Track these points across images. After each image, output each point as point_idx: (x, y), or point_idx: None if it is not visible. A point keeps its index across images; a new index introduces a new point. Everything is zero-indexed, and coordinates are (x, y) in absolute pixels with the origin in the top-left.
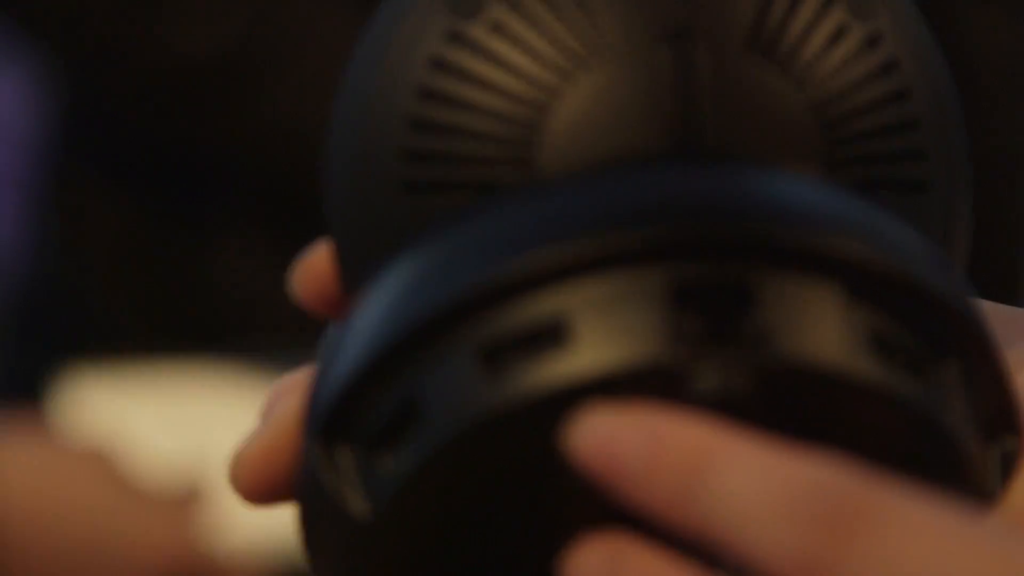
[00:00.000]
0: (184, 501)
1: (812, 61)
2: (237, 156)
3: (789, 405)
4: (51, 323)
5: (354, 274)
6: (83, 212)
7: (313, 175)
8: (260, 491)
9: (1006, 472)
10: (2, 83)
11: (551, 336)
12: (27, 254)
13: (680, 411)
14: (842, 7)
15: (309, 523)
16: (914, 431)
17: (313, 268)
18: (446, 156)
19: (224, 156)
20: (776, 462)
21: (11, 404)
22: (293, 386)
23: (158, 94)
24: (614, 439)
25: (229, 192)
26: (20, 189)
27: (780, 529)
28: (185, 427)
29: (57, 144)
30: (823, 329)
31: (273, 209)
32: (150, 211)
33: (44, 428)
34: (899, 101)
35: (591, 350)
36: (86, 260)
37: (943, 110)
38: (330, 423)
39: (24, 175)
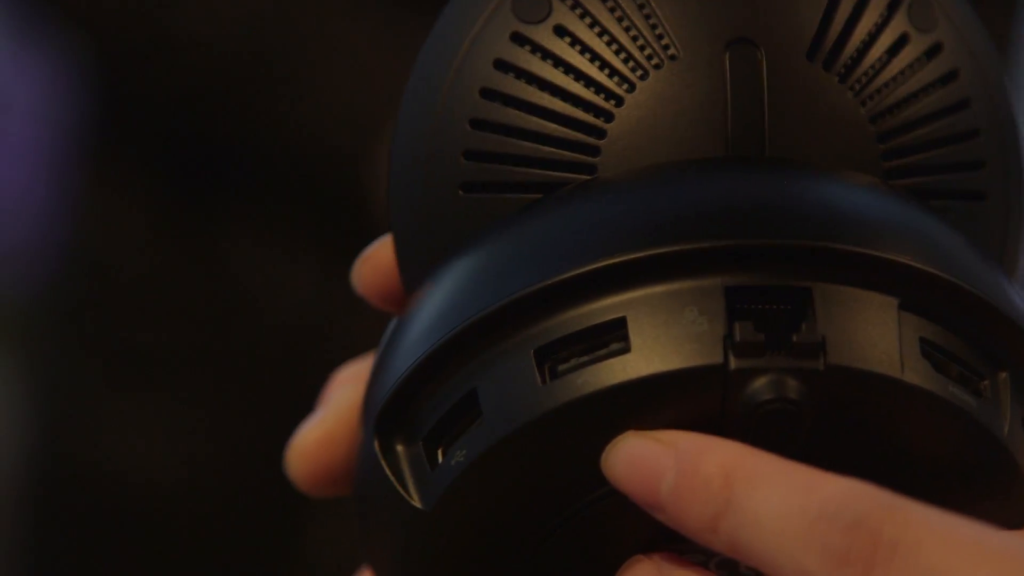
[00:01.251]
0: None
1: (872, 72)
2: (261, 149)
3: (842, 416)
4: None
5: (414, 270)
6: (107, 198)
7: (335, 170)
8: (318, 481)
9: None
10: (32, 68)
11: (608, 341)
12: (53, 235)
13: (714, 433)
14: (903, 18)
15: (366, 513)
16: (968, 442)
17: (374, 262)
18: (507, 157)
19: (247, 149)
20: (805, 488)
21: None
22: (352, 376)
23: (185, 85)
24: (646, 462)
25: (251, 183)
26: (49, 172)
27: (808, 558)
28: None
29: (86, 129)
30: (877, 339)
31: (293, 202)
32: (172, 199)
33: None
34: (958, 112)
35: (646, 356)
36: (109, 247)
37: (1000, 119)
38: (388, 415)
39: (53, 159)
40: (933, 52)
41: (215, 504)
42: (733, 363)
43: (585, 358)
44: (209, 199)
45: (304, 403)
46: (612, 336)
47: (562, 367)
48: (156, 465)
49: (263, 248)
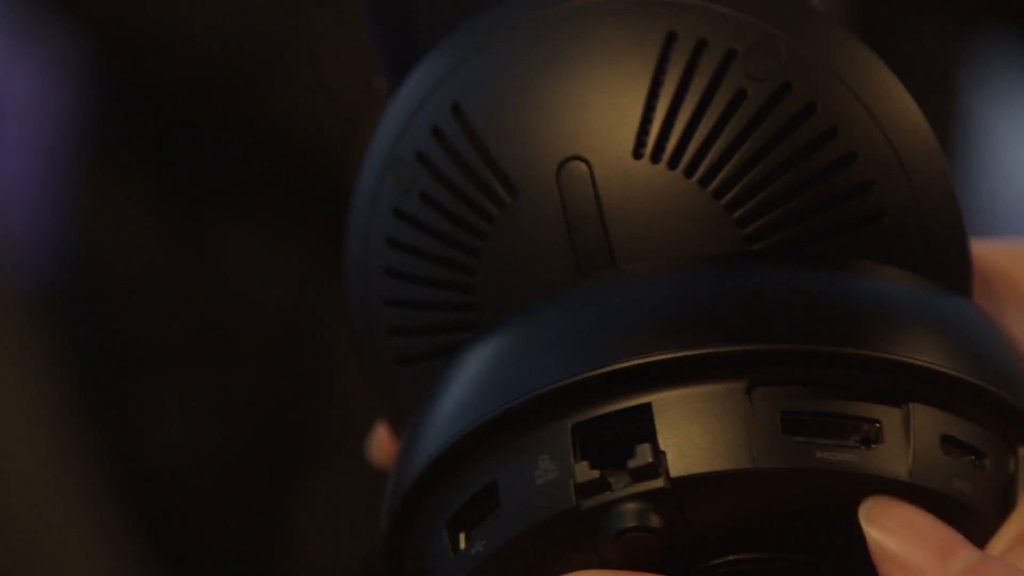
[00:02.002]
0: None
1: (704, 148)
2: (253, 141)
3: (725, 516)
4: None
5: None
6: (102, 191)
7: (324, 161)
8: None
9: None
10: (27, 62)
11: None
12: (50, 230)
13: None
14: (738, 73)
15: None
16: (860, 495)
17: (379, 441)
18: (411, 303)
19: (240, 141)
20: None
21: None
22: None
23: (178, 78)
24: None
25: (243, 175)
26: (44, 166)
27: None
28: None
29: (80, 123)
30: (723, 434)
31: (285, 193)
32: (166, 191)
33: None
34: (823, 144)
35: (515, 513)
36: (104, 240)
37: (886, 128)
38: (412, 496)
39: (48, 153)
40: (779, 96)
41: (208, 491)
42: (581, 505)
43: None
44: (203, 191)
45: (296, 391)
46: (488, 500)
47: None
48: (149, 454)
49: (256, 239)
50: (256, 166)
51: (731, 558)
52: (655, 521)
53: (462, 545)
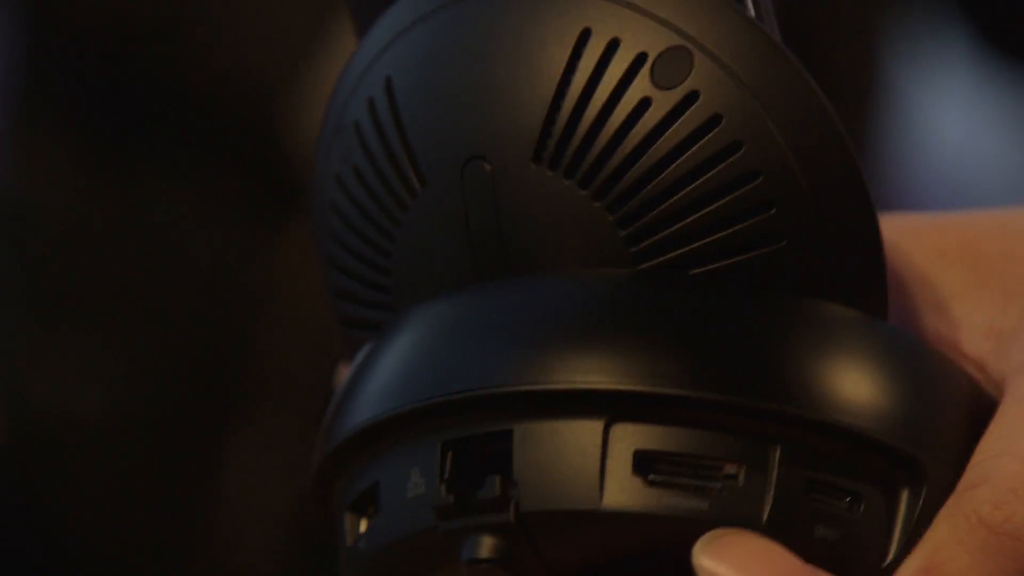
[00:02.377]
0: None
1: (602, 157)
2: (181, 91)
3: (575, 553)
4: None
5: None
6: (31, 141)
7: (253, 111)
8: None
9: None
10: None
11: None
12: None
13: None
14: (644, 81)
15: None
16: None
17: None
18: (346, 272)
19: (168, 91)
20: None
21: None
22: None
23: (106, 27)
24: None
25: (172, 126)
26: None
27: None
28: None
29: (8, 73)
30: (577, 471)
31: (213, 144)
32: (95, 141)
33: None
34: (724, 159)
35: (389, 513)
36: (33, 189)
37: (795, 144)
38: (321, 480)
39: None
40: (683, 106)
41: (135, 441)
42: (439, 527)
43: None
44: (132, 141)
45: (223, 343)
46: (374, 499)
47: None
48: (76, 403)
49: (185, 189)
50: (185, 115)
51: None
52: (504, 553)
53: (361, 529)
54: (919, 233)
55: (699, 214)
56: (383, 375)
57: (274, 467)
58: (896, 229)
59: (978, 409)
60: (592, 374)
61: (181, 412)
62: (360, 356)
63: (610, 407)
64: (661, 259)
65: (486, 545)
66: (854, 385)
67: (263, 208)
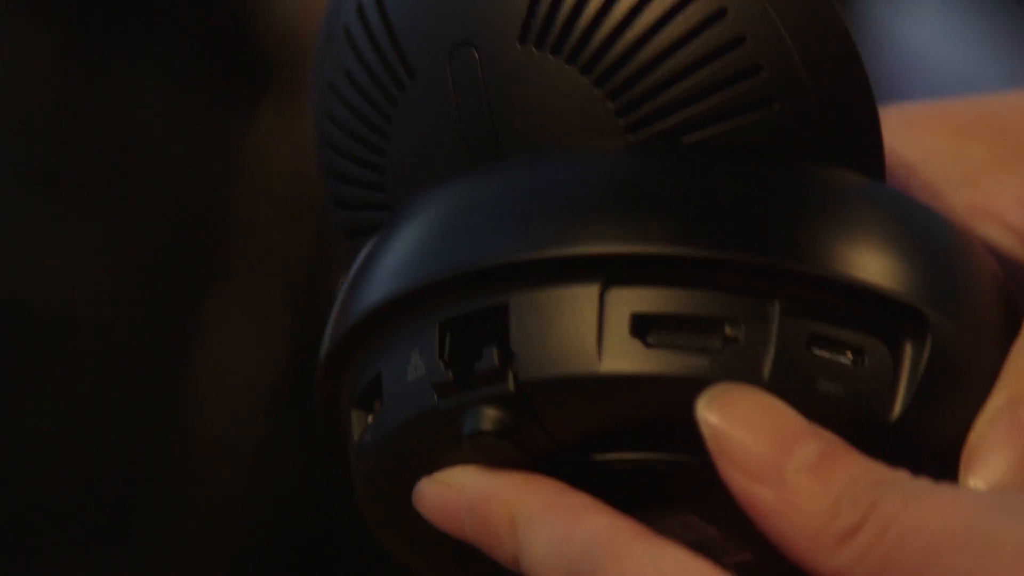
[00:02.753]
0: None
1: (588, 33)
2: None
3: (583, 419)
4: None
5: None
6: (7, 24)
7: (235, 8)
8: None
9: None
10: None
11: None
12: None
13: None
14: None
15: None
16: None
17: None
18: (343, 178)
19: None
20: (564, 530)
21: None
22: None
23: None
24: (444, 509)
25: (145, 11)
26: None
27: None
28: None
29: None
30: (573, 337)
31: (186, 30)
32: (70, 25)
33: None
34: (705, 29)
35: (392, 400)
36: (8, 72)
37: (771, 21)
38: (327, 375)
39: None
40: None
41: (112, 313)
42: (440, 405)
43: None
44: (106, 26)
45: (199, 217)
46: (378, 389)
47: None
48: (51, 277)
49: (161, 71)
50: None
51: (595, 458)
52: (506, 424)
53: (369, 421)
54: (938, 113)
55: (687, 81)
56: (380, 267)
57: (250, 338)
58: (914, 112)
59: (990, 267)
60: (585, 239)
61: (158, 285)
62: (360, 255)
63: (605, 271)
64: (652, 129)
65: (487, 417)
66: (852, 239)
67: (238, 86)
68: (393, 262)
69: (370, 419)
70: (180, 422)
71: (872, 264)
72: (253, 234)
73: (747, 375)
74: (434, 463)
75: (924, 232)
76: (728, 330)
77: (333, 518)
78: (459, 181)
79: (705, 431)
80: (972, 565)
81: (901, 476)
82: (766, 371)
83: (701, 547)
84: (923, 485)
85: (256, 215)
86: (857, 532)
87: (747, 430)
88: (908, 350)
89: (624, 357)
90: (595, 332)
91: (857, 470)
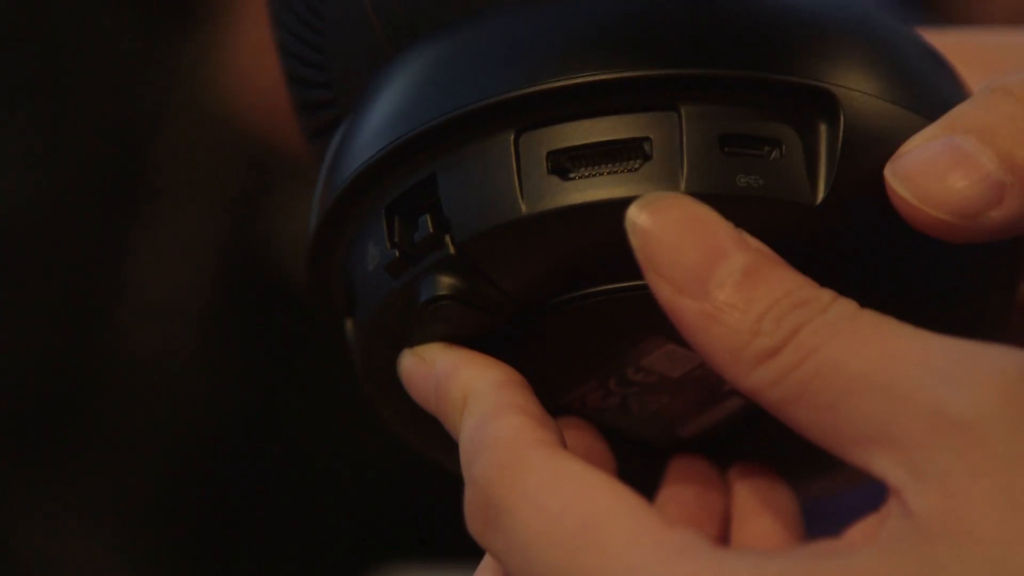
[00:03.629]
0: None
1: None
2: None
3: (515, 265)
4: None
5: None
6: None
7: None
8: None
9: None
10: None
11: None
12: None
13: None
14: None
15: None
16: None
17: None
18: (298, 81)
19: None
20: (480, 420)
21: None
22: None
23: None
24: (416, 380)
25: None
26: None
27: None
28: None
29: None
30: (497, 187)
31: None
32: None
33: None
34: None
35: (362, 292)
36: None
37: None
38: (359, 183)
39: None
40: None
41: (40, 231)
42: (395, 285)
43: None
44: None
45: (125, 143)
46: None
47: None
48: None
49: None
50: None
51: (554, 302)
52: (456, 286)
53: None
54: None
55: None
56: (331, 169)
57: (182, 256)
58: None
59: (909, 38)
60: (488, 89)
61: (90, 201)
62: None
63: (514, 117)
64: None
65: (438, 283)
66: (741, 34)
67: (176, 6)
68: (338, 165)
69: (349, 324)
70: (111, 336)
71: (767, 54)
72: (187, 153)
73: (665, 186)
74: (415, 341)
75: (822, 14)
76: (639, 149)
77: (262, 433)
78: (383, 71)
79: (634, 242)
80: (885, 412)
81: (825, 298)
82: (683, 177)
83: (690, 384)
84: (847, 314)
85: (191, 135)
86: (776, 354)
87: (674, 238)
88: (823, 131)
89: (545, 195)
90: (515, 177)
91: (782, 288)
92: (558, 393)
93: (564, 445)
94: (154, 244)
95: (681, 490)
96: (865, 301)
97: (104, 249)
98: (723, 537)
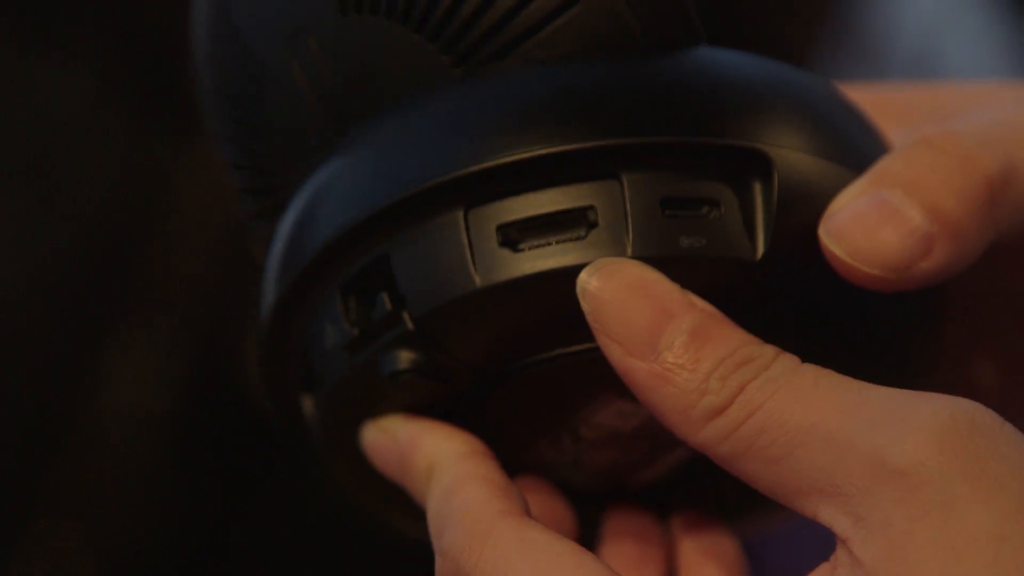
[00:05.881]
0: None
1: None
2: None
3: (471, 336)
4: None
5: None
6: None
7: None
8: None
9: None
10: None
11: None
12: None
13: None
14: None
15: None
16: (565, 292)
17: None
18: (239, 166)
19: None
20: (446, 491)
21: None
22: None
23: None
24: (379, 451)
25: (76, 42)
26: None
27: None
28: None
29: None
30: (450, 262)
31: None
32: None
33: None
34: None
35: (321, 368)
36: None
37: None
38: (314, 265)
39: None
40: None
41: (13, 338)
42: (354, 362)
43: None
44: (38, 33)
45: (109, 250)
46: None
47: None
48: None
49: (88, 95)
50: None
51: (509, 368)
52: (416, 360)
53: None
54: (855, 93)
55: (488, 11)
56: (284, 253)
57: (155, 372)
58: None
59: (835, 96)
60: (435, 169)
61: (64, 313)
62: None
63: (462, 194)
64: (474, 58)
65: (398, 358)
66: (675, 102)
67: (170, 114)
68: (286, 250)
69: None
70: (73, 441)
71: (700, 120)
72: (166, 265)
73: (612, 251)
74: (376, 413)
75: (749, 78)
76: (588, 217)
77: (217, 554)
78: (329, 159)
79: (585, 306)
80: (828, 463)
81: (769, 354)
82: (629, 242)
83: (640, 437)
84: (789, 369)
85: (174, 245)
86: (723, 411)
87: (623, 302)
88: (758, 189)
89: (498, 267)
90: (467, 252)
91: (728, 347)
92: (515, 452)
93: (528, 513)
94: (125, 354)
95: (622, 544)
96: (804, 352)
97: (74, 356)
98: None
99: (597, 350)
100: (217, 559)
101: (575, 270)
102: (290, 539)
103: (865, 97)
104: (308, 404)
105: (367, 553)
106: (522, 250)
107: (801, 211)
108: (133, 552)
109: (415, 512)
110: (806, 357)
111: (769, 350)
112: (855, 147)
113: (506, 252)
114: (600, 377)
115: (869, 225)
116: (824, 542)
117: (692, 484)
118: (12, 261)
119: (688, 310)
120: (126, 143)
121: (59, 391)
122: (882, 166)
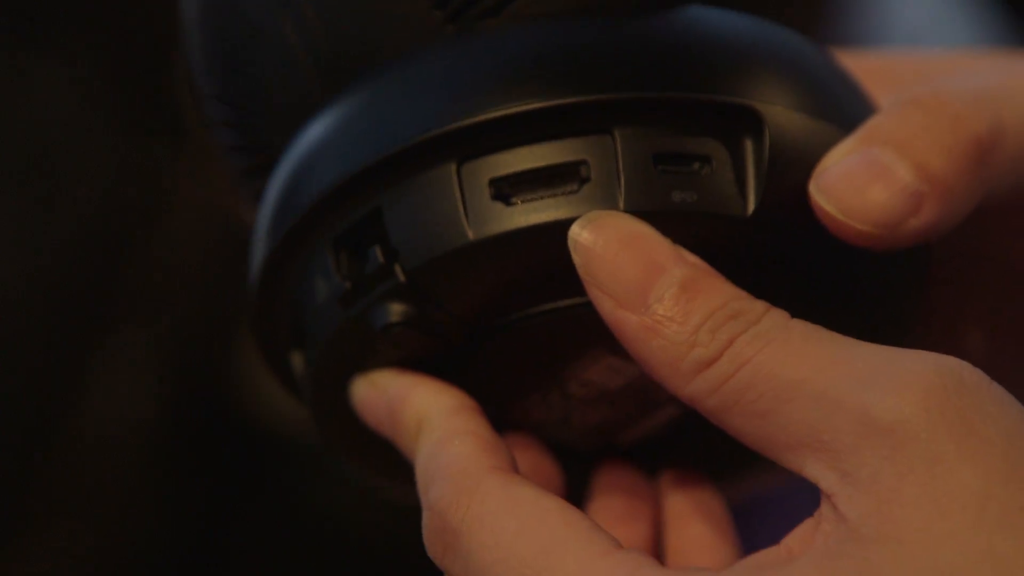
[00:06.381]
0: None
1: None
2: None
3: (462, 289)
4: None
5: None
6: None
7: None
8: None
9: None
10: None
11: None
12: None
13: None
14: None
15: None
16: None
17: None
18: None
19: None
20: (434, 446)
21: None
22: None
23: None
24: (369, 406)
25: (71, 52)
26: None
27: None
28: None
29: None
30: (442, 216)
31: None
32: None
33: None
34: None
35: (313, 325)
36: None
37: None
38: (306, 220)
39: None
40: None
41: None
42: (347, 315)
43: None
44: (36, 36)
45: (104, 258)
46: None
47: None
48: None
49: (83, 103)
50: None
51: (500, 322)
52: (407, 313)
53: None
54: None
55: None
56: (275, 209)
57: (150, 373)
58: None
59: (823, 56)
60: (428, 123)
61: (60, 313)
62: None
63: (455, 148)
64: (466, 15)
65: (390, 311)
66: (670, 58)
67: (164, 124)
68: (275, 208)
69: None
70: (56, 455)
71: (693, 76)
72: (155, 274)
73: (604, 205)
74: (367, 368)
75: (744, 36)
76: (578, 172)
77: (203, 565)
78: (321, 114)
79: (576, 259)
80: (815, 418)
81: (759, 309)
82: (621, 196)
83: (629, 395)
84: (778, 324)
85: (170, 245)
86: (712, 364)
87: (614, 255)
88: (749, 146)
89: (490, 221)
90: (460, 205)
91: (718, 300)
92: (504, 408)
93: (516, 469)
94: (120, 355)
95: (610, 500)
96: (794, 308)
97: (70, 356)
98: (655, 543)
99: (588, 305)
100: (208, 563)
101: (567, 223)
102: (281, 542)
103: (852, 63)
104: (299, 361)
105: (360, 559)
106: (515, 204)
107: (792, 168)
108: (123, 555)
109: (400, 470)
110: (796, 313)
111: (759, 305)
112: (845, 106)
113: (499, 206)
114: (591, 332)
115: (859, 182)
116: (810, 507)
117: (681, 443)
118: (9, 261)
119: (678, 264)
120: (124, 143)
121: (53, 392)
122: (872, 124)
